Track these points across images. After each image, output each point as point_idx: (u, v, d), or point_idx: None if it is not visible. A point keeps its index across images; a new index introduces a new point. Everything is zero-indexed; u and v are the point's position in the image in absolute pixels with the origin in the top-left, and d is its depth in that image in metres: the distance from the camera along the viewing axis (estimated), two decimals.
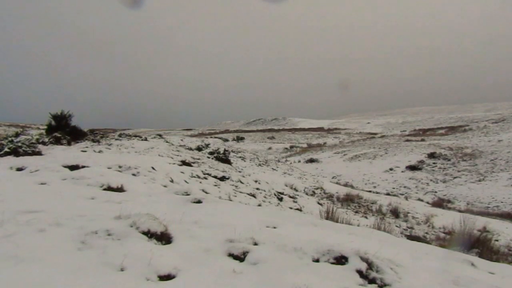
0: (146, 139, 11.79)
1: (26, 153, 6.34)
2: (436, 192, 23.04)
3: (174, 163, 7.73)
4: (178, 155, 9.10)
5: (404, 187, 24.62)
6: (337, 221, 5.44)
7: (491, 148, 30.71)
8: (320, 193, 12.79)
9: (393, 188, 24.21)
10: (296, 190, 11.14)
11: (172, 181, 6.13)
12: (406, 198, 17.94)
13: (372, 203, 12.62)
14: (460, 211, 15.83)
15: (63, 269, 1.81)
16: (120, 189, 4.48)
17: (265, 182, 9.81)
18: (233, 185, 7.67)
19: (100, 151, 7.88)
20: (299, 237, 2.87)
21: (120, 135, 11.74)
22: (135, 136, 12.27)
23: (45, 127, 10.07)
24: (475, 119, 50.20)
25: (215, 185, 7.12)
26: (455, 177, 24.95)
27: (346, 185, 22.01)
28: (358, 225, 6.42)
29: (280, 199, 8.42)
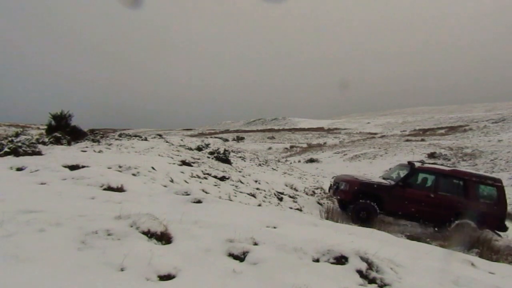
0: (146, 139, 11.79)
1: (26, 153, 6.34)
2: None
3: (174, 163, 7.73)
4: (178, 155, 9.10)
5: None
6: (337, 221, 5.44)
7: (491, 148, 30.70)
8: (320, 193, 12.79)
9: None
10: (296, 190, 11.14)
11: (172, 181, 6.12)
12: None
13: None
14: None
15: (63, 269, 1.81)
16: (120, 189, 4.48)
17: (265, 182, 9.81)
18: (233, 185, 7.67)
19: (100, 151, 7.88)
20: (299, 237, 2.87)
21: (120, 135, 11.75)
22: (135, 136, 12.27)
23: (45, 127, 10.07)
24: (475, 119, 50.13)
25: (215, 185, 7.12)
26: None
27: None
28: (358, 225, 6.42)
29: (280, 199, 8.43)
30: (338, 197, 8.95)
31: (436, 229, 8.46)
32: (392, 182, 8.64)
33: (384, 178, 9.36)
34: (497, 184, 8.52)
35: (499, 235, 8.38)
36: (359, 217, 8.21)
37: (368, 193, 8.37)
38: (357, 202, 8.30)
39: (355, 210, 8.25)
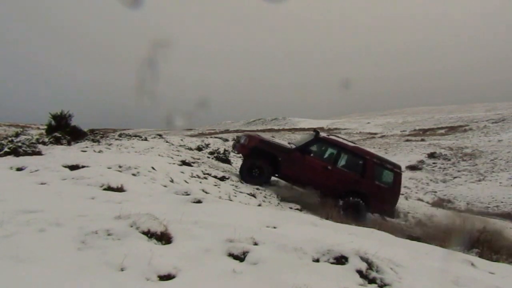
0: (146, 139, 11.79)
1: (26, 153, 6.33)
2: (436, 192, 23.01)
3: (174, 163, 7.73)
4: (178, 155, 9.09)
5: (404, 187, 24.55)
6: (337, 221, 5.44)
7: (491, 148, 30.68)
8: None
9: None
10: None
11: (172, 181, 6.12)
12: (406, 198, 17.93)
13: None
14: (460, 211, 15.82)
15: (63, 269, 1.81)
16: (120, 189, 4.47)
17: None
18: (233, 185, 7.67)
19: (100, 151, 7.87)
20: (299, 237, 2.87)
21: (120, 135, 11.75)
22: (135, 136, 12.27)
23: (45, 127, 10.06)
24: (475, 119, 50.05)
25: (215, 185, 7.11)
26: (455, 177, 24.93)
27: None
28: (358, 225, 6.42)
29: (280, 199, 8.43)
30: (236, 151, 8.79)
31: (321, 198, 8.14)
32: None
33: (289, 143, 9.09)
34: (396, 170, 8.47)
35: (386, 221, 8.31)
36: (252, 175, 8.11)
37: (266, 152, 8.12)
38: (251, 159, 8.13)
39: (248, 167, 8.13)
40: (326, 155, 8.59)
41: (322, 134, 8.65)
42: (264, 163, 8.13)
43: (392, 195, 8.36)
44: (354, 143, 9.16)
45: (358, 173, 8.32)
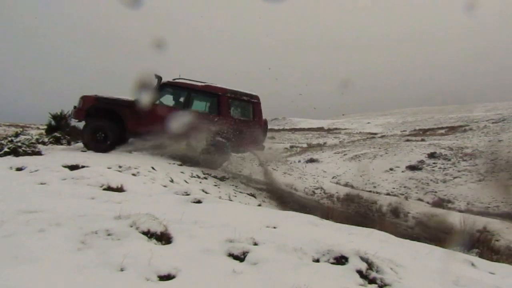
0: None
1: (26, 153, 6.33)
2: (436, 192, 22.99)
3: (174, 163, 7.74)
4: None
5: (404, 187, 24.54)
6: (337, 221, 5.43)
7: (492, 148, 30.67)
8: (320, 193, 12.80)
9: (393, 188, 24.12)
10: (296, 190, 11.15)
11: (172, 181, 6.12)
12: (406, 198, 17.92)
13: (372, 203, 12.60)
14: (460, 211, 15.81)
15: (63, 269, 1.81)
16: (120, 189, 4.47)
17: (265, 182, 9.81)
18: (233, 185, 7.68)
19: None
20: (299, 237, 2.87)
21: None
22: None
23: (45, 127, 10.07)
24: (475, 119, 50.00)
25: (215, 185, 7.12)
26: (455, 177, 24.90)
27: (346, 185, 21.96)
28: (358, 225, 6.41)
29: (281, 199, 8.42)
30: (75, 119, 7.86)
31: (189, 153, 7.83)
32: None
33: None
34: (253, 101, 8.08)
35: (255, 154, 8.20)
36: (97, 140, 7.19)
37: (107, 110, 7.26)
38: (91, 121, 7.15)
39: (90, 132, 7.13)
40: (175, 101, 8.04)
41: (167, 79, 7.84)
42: (106, 123, 7.21)
43: (254, 127, 7.99)
44: (205, 82, 8.28)
45: (214, 112, 7.89)
